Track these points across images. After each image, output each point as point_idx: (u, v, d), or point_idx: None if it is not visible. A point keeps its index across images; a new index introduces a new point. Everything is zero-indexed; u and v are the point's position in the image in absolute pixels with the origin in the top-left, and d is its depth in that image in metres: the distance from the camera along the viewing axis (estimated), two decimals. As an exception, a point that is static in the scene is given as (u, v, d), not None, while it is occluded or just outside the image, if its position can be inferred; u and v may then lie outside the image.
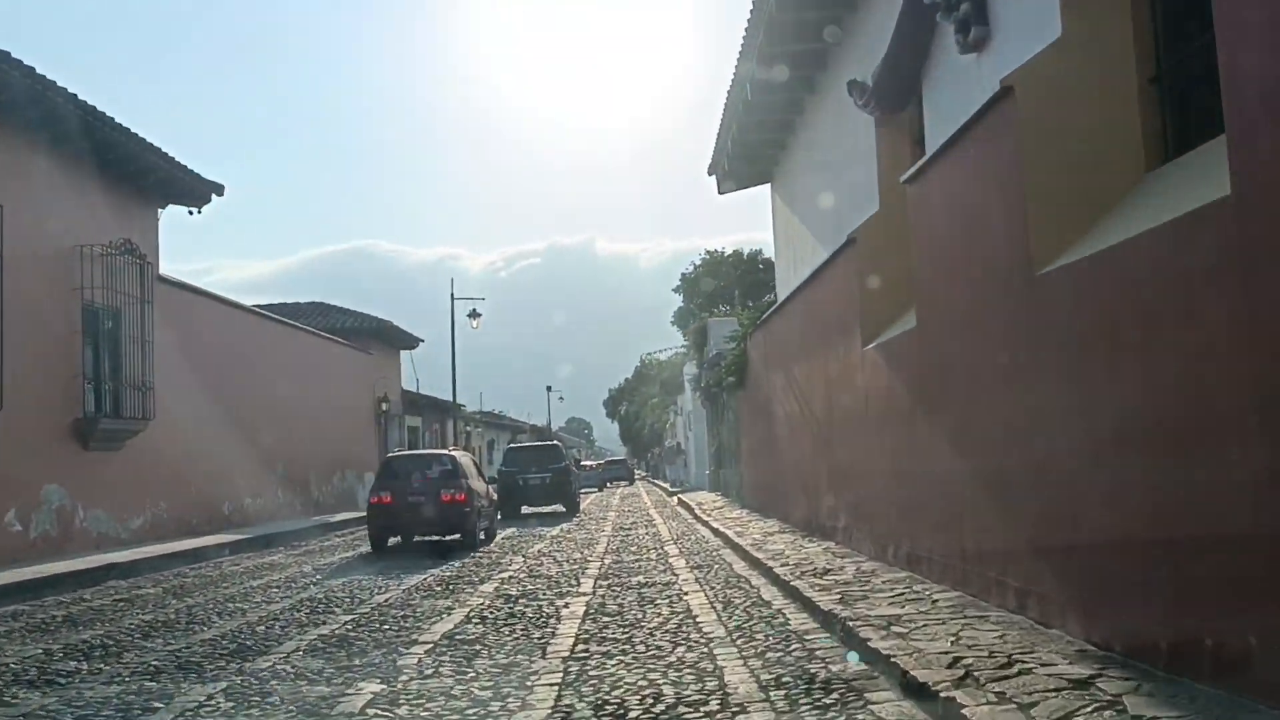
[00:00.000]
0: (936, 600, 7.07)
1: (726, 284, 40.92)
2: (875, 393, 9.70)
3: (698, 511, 20.40)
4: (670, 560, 12.38)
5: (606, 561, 12.60)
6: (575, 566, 12.19)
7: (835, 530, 11.86)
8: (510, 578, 11.26)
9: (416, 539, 16.52)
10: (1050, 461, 5.72)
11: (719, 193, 19.09)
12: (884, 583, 8.20)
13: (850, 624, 6.27)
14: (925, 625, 6.12)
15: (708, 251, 52.03)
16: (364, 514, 22.97)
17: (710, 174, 18.59)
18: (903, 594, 7.52)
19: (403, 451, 25.27)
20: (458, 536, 16.03)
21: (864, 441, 10.22)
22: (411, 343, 35.72)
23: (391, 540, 16.14)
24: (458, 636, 7.48)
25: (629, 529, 18.69)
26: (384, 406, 31.94)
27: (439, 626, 7.98)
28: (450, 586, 10.72)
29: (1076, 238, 5.55)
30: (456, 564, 13.18)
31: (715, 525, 16.23)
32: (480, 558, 13.98)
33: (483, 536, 16.81)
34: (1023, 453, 6.11)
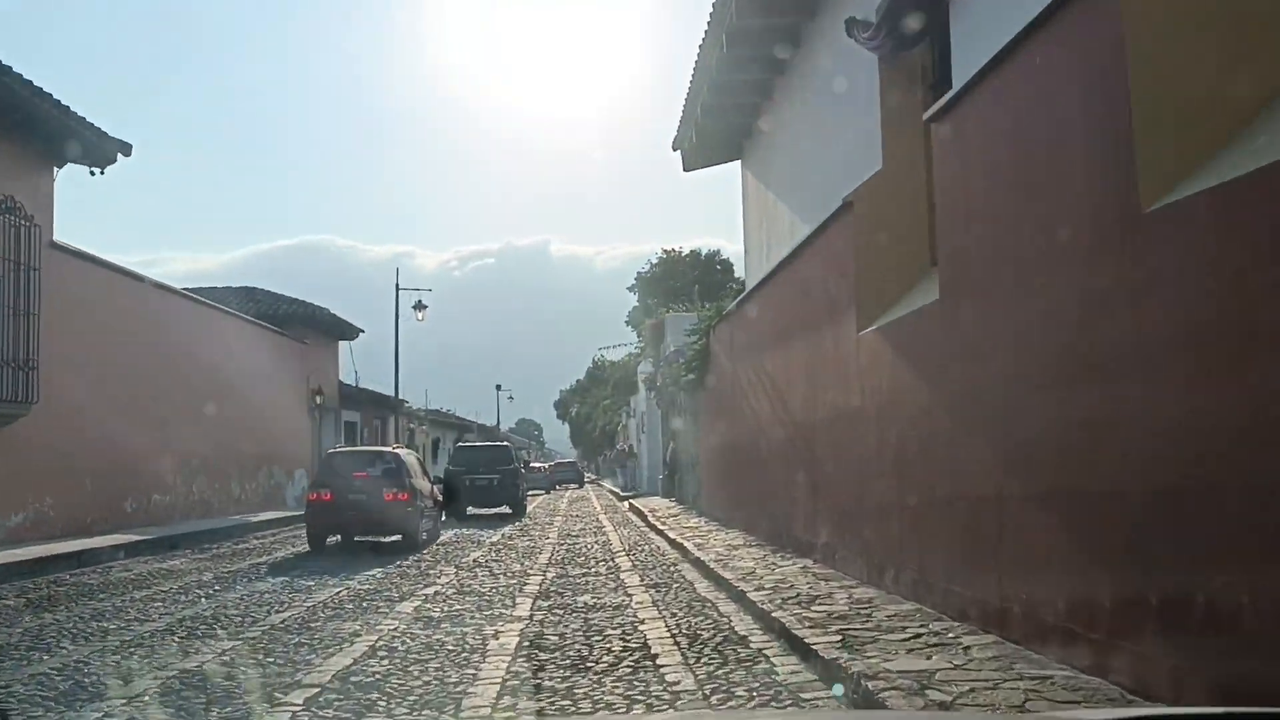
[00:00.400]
0: (969, 648, 5.47)
1: (683, 284, 39.51)
2: (874, 383, 8.13)
3: (651, 519, 18.84)
4: (622, 576, 10.84)
5: (549, 575, 11.04)
6: (513, 580, 10.72)
7: (814, 546, 10.29)
8: (437, 594, 9.85)
9: (357, 539, 15.61)
10: (1164, 466, 4.14)
11: (684, 169, 17.42)
12: (890, 618, 6.60)
13: (869, 684, 4.65)
14: (972, 689, 4.52)
15: (665, 250, 50.74)
16: (291, 514, 21.50)
17: (675, 149, 16.97)
18: (920, 635, 5.93)
19: (345, 447, 23.70)
20: (399, 537, 15.35)
21: (857, 442, 8.64)
22: (351, 332, 33.58)
23: (330, 539, 15.40)
24: (353, 678, 6.05)
25: (576, 536, 17.18)
26: (318, 399, 29.86)
27: (334, 662, 6.54)
28: (364, 603, 9.35)
29: (1202, 163, 4.01)
30: (379, 573, 11.67)
31: (672, 535, 14.64)
32: (407, 567, 12.42)
33: (425, 537, 16.01)
34: (1118, 457, 4.50)
